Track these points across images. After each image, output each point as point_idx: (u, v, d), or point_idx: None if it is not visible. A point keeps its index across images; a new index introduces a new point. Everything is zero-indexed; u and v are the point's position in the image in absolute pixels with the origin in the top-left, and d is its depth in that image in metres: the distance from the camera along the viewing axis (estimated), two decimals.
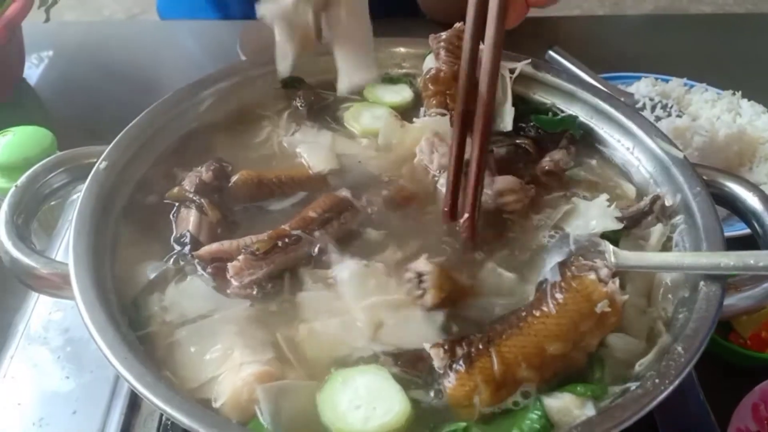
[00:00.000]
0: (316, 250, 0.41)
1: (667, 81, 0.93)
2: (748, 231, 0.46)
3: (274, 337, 0.38)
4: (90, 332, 0.36)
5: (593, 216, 0.44)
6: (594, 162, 0.51)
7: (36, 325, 0.54)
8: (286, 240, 0.41)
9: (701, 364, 0.60)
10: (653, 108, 0.87)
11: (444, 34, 0.52)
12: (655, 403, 0.33)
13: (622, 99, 0.89)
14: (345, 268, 0.40)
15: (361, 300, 0.38)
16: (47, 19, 1.01)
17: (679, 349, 0.36)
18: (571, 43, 1.02)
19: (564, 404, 0.34)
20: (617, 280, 0.37)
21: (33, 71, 1.03)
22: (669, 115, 0.85)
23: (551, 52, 0.98)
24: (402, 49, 0.56)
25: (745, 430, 0.58)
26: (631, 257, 0.40)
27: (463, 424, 0.34)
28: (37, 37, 1.04)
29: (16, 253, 0.41)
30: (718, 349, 0.66)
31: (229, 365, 0.36)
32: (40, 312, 0.55)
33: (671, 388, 0.34)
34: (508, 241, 0.44)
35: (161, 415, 0.45)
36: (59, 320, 0.54)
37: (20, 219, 0.43)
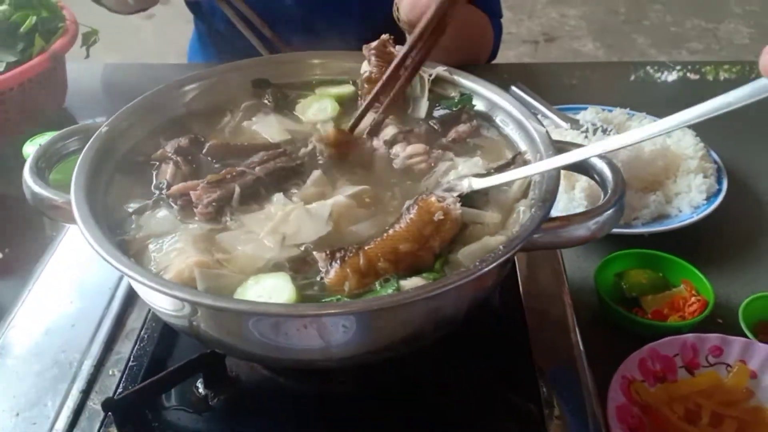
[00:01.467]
0: (253, 180, 0.55)
1: (611, 110, 1.06)
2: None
3: (213, 250, 0.52)
4: (84, 234, 0.50)
5: (467, 169, 0.58)
6: (489, 136, 0.64)
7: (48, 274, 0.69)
8: (234, 174, 0.55)
9: (603, 328, 0.73)
10: (594, 131, 1.00)
11: (373, 44, 0.67)
12: (466, 279, 0.45)
13: (568, 123, 1.03)
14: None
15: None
16: (87, 56, 1.21)
17: (501, 247, 0.48)
18: (532, 82, 1.18)
19: (413, 283, 0.47)
20: (457, 201, 0.50)
21: (74, 100, 1.22)
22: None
23: (514, 87, 1.13)
24: (345, 62, 0.71)
25: (630, 377, 0.69)
26: (477, 181, 0.53)
27: (337, 296, 0.47)
28: (78, 72, 1.23)
29: (37, 189, 0.56)
30: (623, 321, 0.77)
31: (180, 257, 0.50)
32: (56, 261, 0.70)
33: (484, 270, 0.46)
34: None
35: (148, 312, 0.60)
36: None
37: (41, 168, 0.59)
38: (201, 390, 0.58)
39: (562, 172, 0.84)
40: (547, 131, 0.59)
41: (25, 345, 0.61)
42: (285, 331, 0.47)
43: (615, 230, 0.86)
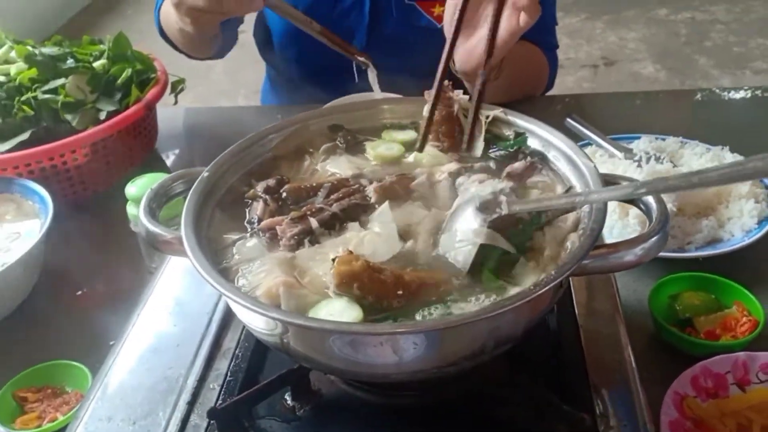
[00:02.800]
0: (330, 216, 0.64)
1: (664, 139, 1.11)
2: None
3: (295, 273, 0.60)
4: (194, 265, 0.59)
5: None
6: (544, 173, 0.71)
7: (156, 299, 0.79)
8: (313, 210, 0.64)
9: (657, 349, 0.78)
10: (648, 160, 1.05)
11: (434, 90, 0.75)
12: (521, 302, 0.52)
13: (622, 153, 1.08)
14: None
15: None
16: (176, 103, 1.34)
17: (553, 271, 0.54)
18: (588, 113, 1.23)
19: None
20: None
21: (161, 142, 1.35)
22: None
23: (569, 119, 1.19)
24: (409, 106, 0.79)
25: (682, 393, 0.73)
26: (516, 203, 0.60)
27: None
28: (164, 115, 1.36)
29: (151, 227, 0.66)
30: (677, 341, 0.81)
31: (268, 278, 0.59)
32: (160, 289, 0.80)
33: (538, 292, 0.52)
34: None
35: (242, 329, 0.69)
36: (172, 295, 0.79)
37: (153, 208, 0.68)
38: (289, 402, 0.66)
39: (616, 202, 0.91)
40: (595, 166, 0.65)
41: (137, 362, 0.71)
42: (362, 348, 0.54)
43: (669, 254, 0.91)
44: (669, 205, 0.92)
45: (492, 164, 0.72)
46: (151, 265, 0.98)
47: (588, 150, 1.10)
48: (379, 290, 0.56)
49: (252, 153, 0.75)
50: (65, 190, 1.12)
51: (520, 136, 0.75)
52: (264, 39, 1.47)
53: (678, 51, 4.04)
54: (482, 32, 1.00)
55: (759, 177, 0.57)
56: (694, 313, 0.84)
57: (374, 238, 0.63)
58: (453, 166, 0.71)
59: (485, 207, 0.61)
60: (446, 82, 0.76)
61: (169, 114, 1.40)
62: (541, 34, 1.35)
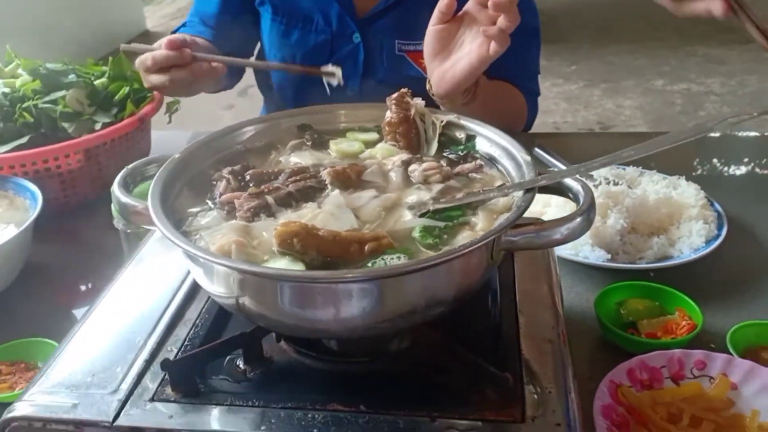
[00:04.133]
0: (285, 194, 0.70)
1: (624, 168, 1.17)
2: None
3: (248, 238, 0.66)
4: (160, 229, 0.64)
5: None
6: (487, 169, 0.77)
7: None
8: (270, 188, 0.70)
9: (601, 349, 0.82)
10: (608, 184, 1.11)
11: (394, 95, 0.82)
12: (448, 258, 0.57)
13: (584, 178, 1.14)
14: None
15: None
16: (169, 121, 1.42)
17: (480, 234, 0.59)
18: (561, 147, 1.30)
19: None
20: None
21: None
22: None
23: (537, 149, 1.26)
24: (373, 110, 0.86)
25: (617, 382, 0.77)
26: (442, 202, 0.67)
27: None
28: (161, 138, 1.44)
29: (123, 199, 0.72)
30: (619, 340, 0.86)
31: (223, 238, 0.64)
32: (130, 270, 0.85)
33: (465, 251, 0.57)
34: None
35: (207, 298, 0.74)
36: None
37: (127, 183, 0.75)
38: (241, 365, 0.70)
39: (569, 206, 0.96)
40: (531, 160, 0.71)
41: (101, 329, 0.75)
42: (298, 298, 0.59)
43: (622, 266, 0.96)
44: (621, 222, 0.98)
45: (444, 162, 0.78)
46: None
47: None
48: (319, 245, 0.61)
49: (224, 143, 0.82)
50: (57, 193, 1.19)
51: (471, 138, 0.81)
52: (263, 78, 1.55)
53: (672, 118, 4.16)
54: (455, 57, 1.09)
55: (660, 149, 0.63)
56: (638, 317, 0.89)
57: (327, 216, 0.68)
58: (405, 155, 0.77)
59: (417, 206, 0.68)
60: (406, 89, 0.83)
61: (163, 136, 1.48)
62: (523, 80, 1.44)
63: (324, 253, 0.61)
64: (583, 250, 0.98)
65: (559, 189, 0.71)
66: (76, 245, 1.15)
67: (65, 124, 1.20)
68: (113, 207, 1.05)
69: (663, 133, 0.68)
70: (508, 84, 1.39)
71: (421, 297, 0.61)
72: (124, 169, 0.76)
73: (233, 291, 0.63)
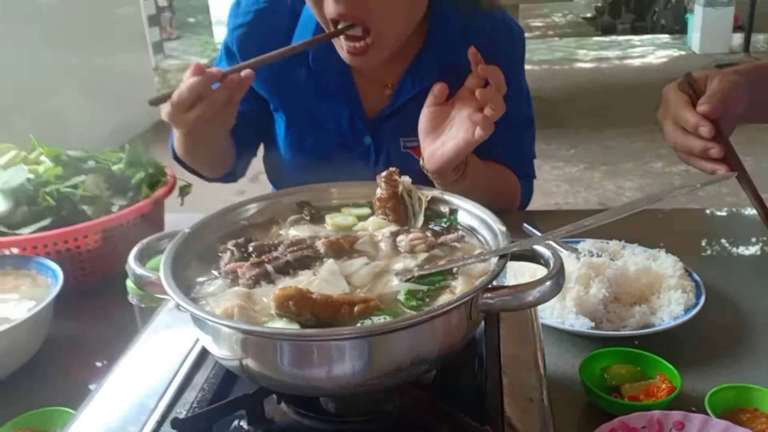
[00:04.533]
0: (284, 263, 0.77)
1: (608, 242, 1.24)
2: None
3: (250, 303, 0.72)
4: (171, 296, 0.71)
5: None
6: (468, 239, 0.84)
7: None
8: (270, 258, 0.77)
9: (586, 413, 0.87)
10: (591, 256, 1.17)
11: (383, 173, 0.90)
12: (425, 317, 0.63)
13: (568, 251, 1.21)
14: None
15: None
16: (182, 203, 1.51)
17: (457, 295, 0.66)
18: (551, 223, 1.37)
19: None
20: None
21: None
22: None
23: (525, 224, 1.33)
24: (365, 188, 0.94)
25: None
26: (425, 269, 0.74)
27: None
28: (174, 220, 1.52)
29: (138, 270, 0.79)
30: (602, 402, 0.90)
31: (227, 303, 0.71)
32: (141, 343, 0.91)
33: (439, 312, 0.64)
34: None
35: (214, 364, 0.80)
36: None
37: (141, 257, 0.82)
38: (245, 427, 0.75)
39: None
40: (506, 230, 0.79)
41: (117, 394, 0.81)
42: (292, 357, 0.65)
43: (603, 332, 1.02)
44: (603, 291, 1.04)
45: (429, 233, 0.86)
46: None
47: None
48: (313, 307, 0.67)
49: (229, 219, 0.90)
50: (76, 272, 1.27)
51: (454, 212, 0.89)
52: (274, 168, 1.63)
53: (672, 198, 4.24)
54: (444, 138, 1.19)
55: (618, 216, 0.71)
56: (621, 381, 0.93)
57: (321, 282, 0.75)
58: (393, 227, 0.85)
59: (403, 272, 0.76)
60: (394, 168, 0.92)
61: (176, 218, 1.56)
62: (518, 164, 1.52)
63: (317, 314, 0.68)
64: (569, 318, 1.03)
65: (532, 256, 0.78)
66: (93, 320, 1.22)
67: (85, 207, 1.29)
68: (128, 283, 1.12)
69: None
70: (502, 166, 1.47)
71: (407, 355, 0.67)
72: (138, 244, 0.83)
73: (236, 352, 0.69)
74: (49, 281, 1.16)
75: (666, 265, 1.11)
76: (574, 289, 1.04)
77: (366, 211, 0.93)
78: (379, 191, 0.91)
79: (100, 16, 4.87)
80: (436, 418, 0.74)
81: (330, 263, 0.79)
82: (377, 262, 0.80)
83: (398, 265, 0.79)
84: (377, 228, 0.87)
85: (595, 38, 9.19)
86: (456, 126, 1.20)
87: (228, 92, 1.13)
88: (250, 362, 0.69)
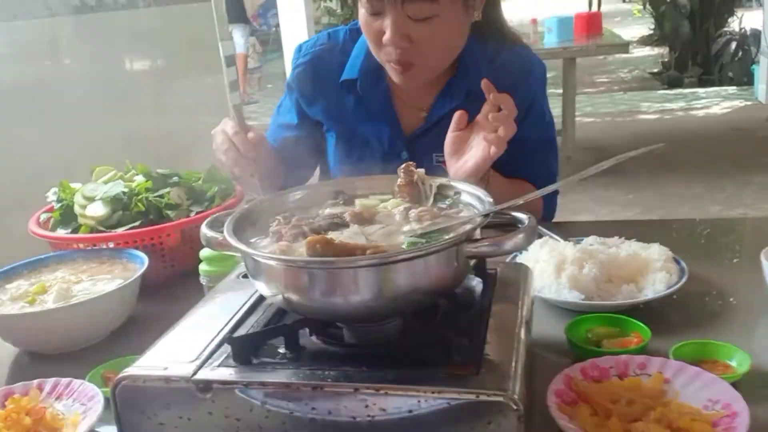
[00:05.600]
0: (317, 226, 1.00)
1: (606, 240, 1.41)
2: None
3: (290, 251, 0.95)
4: (232, 244, 0.95)
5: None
6: (466, 212, 1.05)
7: None
8: (306, 222, 1.00)
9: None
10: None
11: (403, 165, 1.13)
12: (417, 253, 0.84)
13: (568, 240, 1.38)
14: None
15: None
16: None
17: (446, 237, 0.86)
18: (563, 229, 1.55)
19: None
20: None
21: None
22: None
23: (540, 227, 1.52)
24: (390, 179, 1.17)
25: (571, 375, 0.98)
26: (423, 229, 0.94)
27: None
28: None
29: (209, 233, 1.04)
30: (582, 353, 1.07)
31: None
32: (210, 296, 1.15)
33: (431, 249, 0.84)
34: None
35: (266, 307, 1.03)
36: None
37: (213, 225, 1.06)
38: (282, 350, 0.97)
39: (554, 262, 1.21)
40: (490, 201, 0.99)
41: (191, 326, 1.04)
42: (314, 281, 0.87)
43: (593, 302, 1.19)
44: (595, 271, 1.22)
45: (435, 209, 1.07)
46: None
47: (541, 240, 1.40)
48: (334, 250, 0.89)
49: (279, 201, 1.14)
50: (158, 265, 1.53)
51: (458, 194, 1.10)
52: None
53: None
54: (465, 157, 1.42)
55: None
56: (601, 338, 1.10)
57: (346, 238, 0.97)
58: (407, 204, 1.07)
59: (408, 232, 0.98)
60: (411, 162, 1.14)
61: None
62: (542, 180, 1.72)
63: (338, 256, 0.90)
64: (563, 293, 1.21)
65: (512, 222, 0.97)
66: (171, 302, 1.46)
67: (168, 212, 1.56)
68: (200, 267, 1.37)
69: None
70: (523, 181, 1.68)
71: (406, 284, 0.88)
72: (210, 217, 1.08)
73: (277, 284, 0.92)
74: (137, 267, 1.43)
75: (653, 252, 1.28)
76: (570, 269, 1.22)
77: (388, 197, 1.15)
78: (399, 180, 1.13)
79: (187, 86, 5.36)
80: (432, 341, 0.94)
81: (354, 227, 1.01)
82: (390, 227, 1.01)
83: (406, 228, 1.00)
84: (395, 206, 1.09)
85: (660, 92, 9.24)
86: (475, 146, 1.43)
87: (236, 150, 1.44)
88: (287, 293, 0.92)
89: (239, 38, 10.33)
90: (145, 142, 4.53)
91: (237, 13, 10.11)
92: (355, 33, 1.73)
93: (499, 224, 0.98)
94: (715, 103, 7.95)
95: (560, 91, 6.05)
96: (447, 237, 0.93)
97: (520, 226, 0.95)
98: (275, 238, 1.01)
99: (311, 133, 1.79)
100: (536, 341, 1.11)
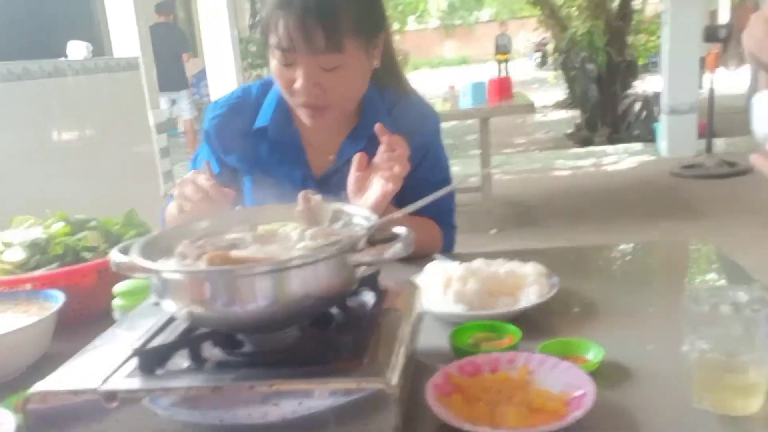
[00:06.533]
0: (220, 246, 1.10)
1: (493, 261, 1.56)
2: None
3: None
4: (139, 263, 1.05)
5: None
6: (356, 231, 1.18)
7: None
8: (209, 243, 1.11)
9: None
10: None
11: (301, 192, 1.25)
12: (307, 260, 0.96)
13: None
14: None
15: None
16: None
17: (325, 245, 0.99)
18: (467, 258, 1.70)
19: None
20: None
21: None
22: None
23: (436, 255, 1.66)
24: (290, 208, 1.29)
25: (449, 371, 1.11)
26: (312, 246, 1.06)
27: None
28: None
29: (118, 258, 1.13)
30: (461, 353, 1.20)
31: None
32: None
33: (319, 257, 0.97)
34: None
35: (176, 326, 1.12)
36: None
37: (122, 250, 1.16)
38: (186, 362, 1.06)
39: (442, 279, 1.34)
40: (376, 219, 1.13)
41: (103, 343, 1.12)
42: (207, 290, 0.98)
43: (474, 313, 1.33)
44: (477, 286, 1.36)
45: (330, 229, 1.19)
46: None
47: (433, 262, 1.55)
48: (232, 262, 1.00)
49: (186, 230, 1.24)
50: (75, 306, 1.58)
51: (351, 216, 1.23)
52: None
53: None
54: (367, 195, 1.57)
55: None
56: (481, 341, 1.24)
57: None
58: (304, 226, 1.19)
59: (302, 248, 1.09)
60: (309, 189, 1.27)
61: None
62: (440, 217, 1.89)
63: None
64: (450, 306, 1.34)
65: (394, 236, 1.11)
66: (87, 340, 1.51)
67: (85, 254, 1.63)
68: (112, 304, 1.45)
69: None
70: (422, 218, 1.83)
71: (299, 291, 0.99)
72: (120, 244, 1.17)
73: (179, 299, 1.02)
74: (53, 305, 1.48)
75: (529, 268, 1.43)
76: (455, 285, 1.36)
77: (289, 223, 1.27)
78: (298, 206, 1.26)
79: (116, 154, 5.39)
80: (324, 344, 1.05)
81: (254, 247, 1.13)
82: (287, 245, 1.13)
83: (301, 244, 1.12)
84: (293, 229, 1.21)
85: (573, 150, 9.78)
86: (374, 184, 1.59)
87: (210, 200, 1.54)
88: (190, 306, 1.01)
89: (185, 104, 10.42)
90: (71, 208, 4.51)
91: (179, 81, 10.27)
92: (267, 86, 1.89)
93: (385, 240, 1.11)
94: (622, 158, 8.48)
95: (480, 151, 6.38)
96: (334, 246, 1.05)
97: (399, 238, 1.09)
98: (180, 258, 1.11)
99: (230, 179, 1.91)
100: (425, 350, 1.23)
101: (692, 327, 1.00)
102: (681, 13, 7.75)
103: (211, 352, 1.08)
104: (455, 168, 7.08)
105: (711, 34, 7.06)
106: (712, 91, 7.28)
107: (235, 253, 1.07)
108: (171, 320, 1.17)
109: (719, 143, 7.96)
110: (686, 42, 7.78)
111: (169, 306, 1.06)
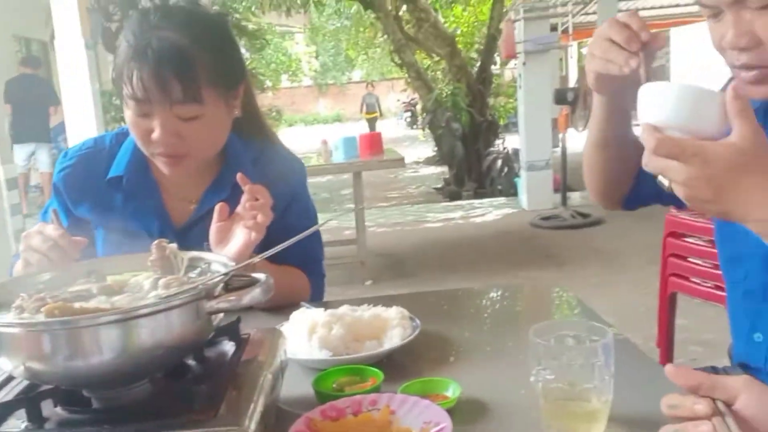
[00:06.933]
0: (62, 298, 1.04)
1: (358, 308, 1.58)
2: None
3: None
4: None
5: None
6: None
7: None
8: (50, 296, 1.04)
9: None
10: None
11: (155, 242, 1.21)
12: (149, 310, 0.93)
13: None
14: None
15: None
16: None
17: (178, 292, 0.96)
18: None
19: None
20: None
21: None
22: None
23: (303, 303, 1.65)
24: (144, 258, 1.24)
25: (312, 417, 1.09)
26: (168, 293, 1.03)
27: None
28: None
29: None
30: (324, 398, 1.18)
31: None
32: None
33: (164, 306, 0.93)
34: None
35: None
36: None
37: None
38: (25, 423, 0.97)
39: (306, 326, 1.33)
40: (232, 265, 1.11)
41: None
42: (51, 346, 0.91)
43: (339, 358, 1.32)
44: (342, 331, 1.36)
45: (185, 278, 1.16)
46: None
47: (299, 310, 1.53)
48: (73, 314, 0.94)
49: (28, 281, 1.16)
50: None
51: (208, 263, 1.20)
52: None
53: None
54: (230, 245, 1.54)
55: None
56: (345, 385, 1.23)
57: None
58: (158, 275, 1.14)
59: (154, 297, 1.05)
60: (162, 239, 1.23)
61: None
62: (308, 265, 1.88)
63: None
64: (314, 353, 1.33)
65: (253, 282, 1.09)
66: None
67: None
68: None
69: None
70: (290, 267, 1.82)
71: (149, 341, 0.95)
72: None
73: (18, 355, 0.94)
74: None
75: (392, 312, 1.46)
76: (320, 331, 1.35)
77: (144, 273, 1.22)
78: (151, 255, 1.21)
79: None
80: (179, 401, 1.00)
81: (100, 298, 1.07)
82: (138, 294, 1.08)
83: (152, 293, 1.08)
84: (146, 278, 1.16)
85: (442, 204, 10.14)
86: (237, 234, 1.56)
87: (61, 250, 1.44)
88: (28, 362, 0.94)
89: (44, 157, 9.95)
90: None
91: (41, 133, 9.84)
92: (122, 137, 1.82)
93: (243, 286, 1.09)
94: (488, 211, 8.90)
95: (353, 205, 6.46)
96: (187, 293, 1.02)
97: (258, 283, 1.07)
98: (18, 312, 1.03)
99: (80, 233, 1.80)
100: (288, 398, 1.21)
101: (537, 359, 1.05)
102: (533, 77, 8.36)
103: (53, 410, 1.00)
104: (332, 223, 7.15)
105: (560, 97, 7.66)
106: (564, 149, 7.84)
107: (79, 305, 1.01)
108: (10, 378, 1.08)
109: (574, 196, 8.55)
110: (539, 104, 8.39)
111: (6, 364, 0.98)
